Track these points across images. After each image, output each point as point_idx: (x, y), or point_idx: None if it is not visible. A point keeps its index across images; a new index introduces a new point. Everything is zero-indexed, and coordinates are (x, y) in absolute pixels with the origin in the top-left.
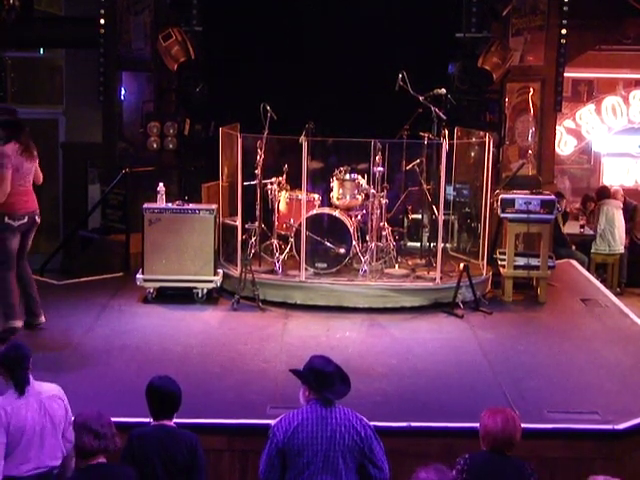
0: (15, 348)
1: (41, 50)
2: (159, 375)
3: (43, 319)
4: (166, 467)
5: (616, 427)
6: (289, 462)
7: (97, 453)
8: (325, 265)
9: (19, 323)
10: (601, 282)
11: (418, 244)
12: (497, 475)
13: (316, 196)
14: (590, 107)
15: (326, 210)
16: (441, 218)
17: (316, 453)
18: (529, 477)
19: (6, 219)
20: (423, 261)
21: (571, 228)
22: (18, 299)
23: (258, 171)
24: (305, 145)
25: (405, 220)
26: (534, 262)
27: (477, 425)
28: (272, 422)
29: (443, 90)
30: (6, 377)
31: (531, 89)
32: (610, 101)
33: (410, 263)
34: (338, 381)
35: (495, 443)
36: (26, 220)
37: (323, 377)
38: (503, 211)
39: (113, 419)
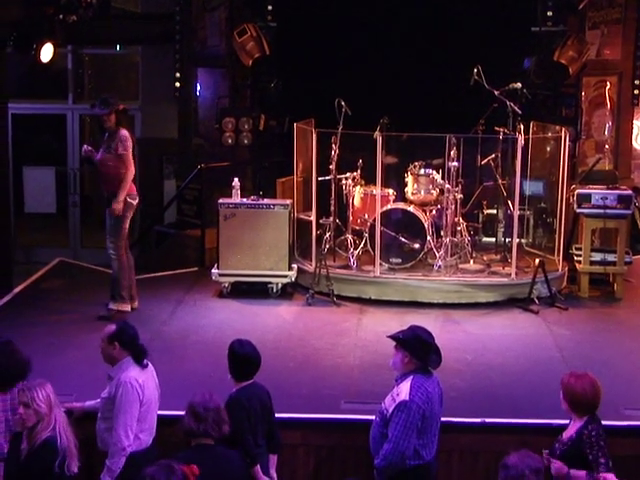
0: (127, 325)
1: (118, 47)
2: (239, 340)
3: (137, 304)
4: (264, 413)
5: None
6: (423, 426)
7: (198, 436)
8: (399, 260)
9: (129, 307)
10: None
11: (493, 239)
12: None
13: (390, 191)
14: None
15: (400, 205)
16: (516, 213)
17: (438, 415)
18: None
19: (127, 198)
20: (498, 256)
21: None
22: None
23: (332, 166)
24: (380, 140)
25: (480, 215)
26: (611, 258)
27: (552, 421)
28: (350, 416)
29: (519, 84)
30: (122, 354)
31: (608, 83)
32: None
33: (485, 258)
34: (434, 352)
35: (594, 406)
36: (138, 200)
37: (427, 347)
38: (579, 206)
39: None
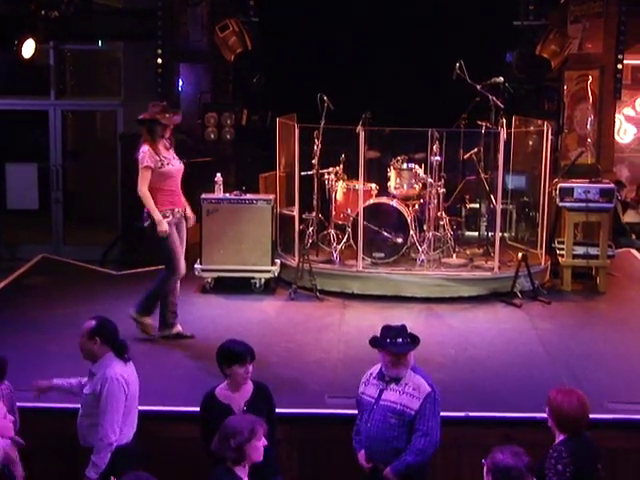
0: (107, 320)
1: (100, 42)
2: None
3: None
4: None
5: None
6: None
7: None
8: (382, 255)
9: None
10: None
11: (476, 233)
12: (594, 455)
13: (373, 186)
14: None
15: (383, 200)
16: (499, 207)
17: None
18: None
19: None
20: (481, 250)
21: (631, 217)
22: None
23: (315, 161)
24: (362, 135)
25: (463, 209)
26: (593, 251)
27: (535, 415)
28: (334, 411)
29: (501, 79)
30: (103, 349)
31: (590, 77)
32: None
33: (468, 252)
34: None
35: (580, 425)
36: None
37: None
38: (562, 200)
39: (170, 408)
